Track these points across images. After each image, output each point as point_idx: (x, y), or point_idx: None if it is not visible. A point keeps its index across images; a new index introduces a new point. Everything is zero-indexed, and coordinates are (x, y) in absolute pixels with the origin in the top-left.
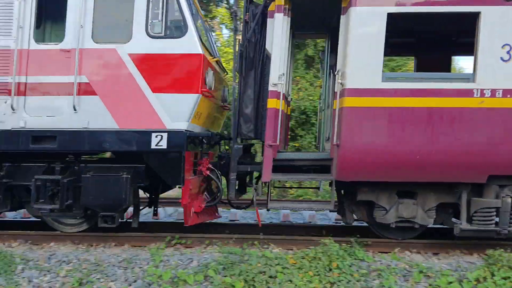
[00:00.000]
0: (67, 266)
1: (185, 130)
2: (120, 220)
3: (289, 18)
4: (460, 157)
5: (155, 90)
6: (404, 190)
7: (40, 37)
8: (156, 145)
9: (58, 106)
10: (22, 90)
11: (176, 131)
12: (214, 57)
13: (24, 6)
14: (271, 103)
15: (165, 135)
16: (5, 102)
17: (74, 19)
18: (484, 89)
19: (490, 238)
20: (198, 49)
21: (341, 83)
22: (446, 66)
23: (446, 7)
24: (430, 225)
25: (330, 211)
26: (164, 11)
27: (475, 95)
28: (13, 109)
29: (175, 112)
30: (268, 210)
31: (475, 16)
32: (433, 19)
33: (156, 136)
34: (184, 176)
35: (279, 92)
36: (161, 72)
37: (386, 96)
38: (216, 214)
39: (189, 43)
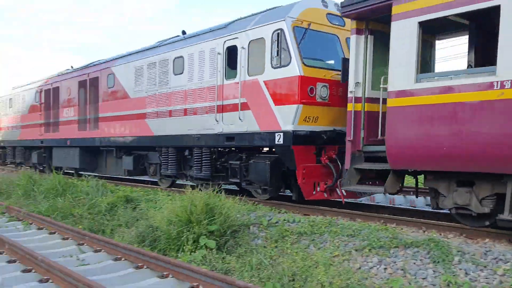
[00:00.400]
0: (504, 265)
1: (292, 130)
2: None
3: (364, 37)
4: (494, 149)
5: (275, 103)
6: (464, 179)
7: (226, 76)
8: (277, 142)
9: (234, 118)
10: (220, 109)
11: (286, 131)
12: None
13: (221, 59)
14: (349, 106)
15: (281, 134)
16: (214, 118)
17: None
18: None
19: None
20: (297, 73)
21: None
22: None
23: (466, 6)
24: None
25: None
26: (279, 50)
27: (495, 88)
28: (216, 121)
29: (285, 118)
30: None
31: (496, 9)
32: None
33: (277, 135)
34: (296, 162)
35: (355, 97)
36: (278, 90)
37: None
38: (337, 195)
39: (292, 69)
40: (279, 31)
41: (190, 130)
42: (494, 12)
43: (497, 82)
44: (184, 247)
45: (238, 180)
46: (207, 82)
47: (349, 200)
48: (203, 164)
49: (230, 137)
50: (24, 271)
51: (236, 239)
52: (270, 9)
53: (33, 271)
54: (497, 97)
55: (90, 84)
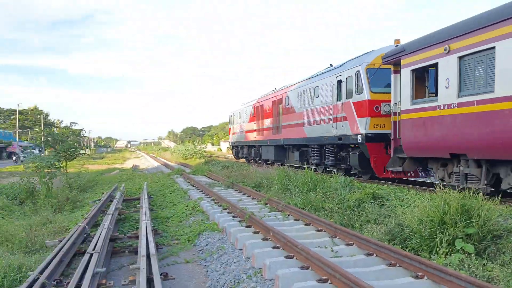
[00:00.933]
0: None
1: (365, 133)
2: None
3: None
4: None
5: (358, 116)
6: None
7: (337, 99)
8: (359, 140)
9: (340, 125)
10: (334, 120)
11: (362, 134)
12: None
13: (335, 88)
14: (392, 118)
15: (360, 135)
16: (331, 126)
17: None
18: None
19: None
20: (366, 97)
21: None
22: None
23: (428, 62)
24: None
25: None
26: (358, 83)
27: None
28: (332, 128)
29: (362, 125)
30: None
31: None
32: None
33: (359, 136)
34: (369, 153)
35: (393, 112)
36: (358, 108)
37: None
38: (404, 175)
39: (364, 96)
40: (357, 72)
41: (322, 133)
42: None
43: (438, 105)
44: (438, 249)
45: (345, 166)
46: (328, 103)
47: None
48: (330, 155)
49: (339, 137)
50: (287, 257)
51: (499, 245)
52: (360, 55)
53: (295, 258)
54: (438, 114)
55: (278, 103)
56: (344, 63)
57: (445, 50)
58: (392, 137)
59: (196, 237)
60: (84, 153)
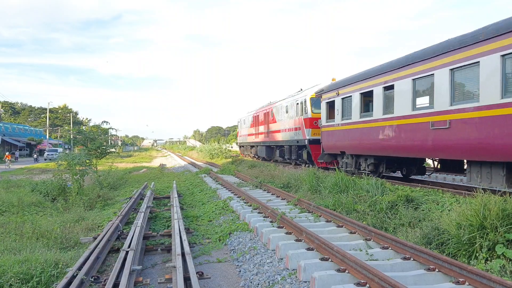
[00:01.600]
0: None
1: (308, 139)
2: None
3: (324, 103)
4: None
5: (305, 127)
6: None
7: (298, 115)
8: (306, 143)
9: (296, 133)
10: (296, 129)
11: (307, 139)
12: None
13: (299, 107)
14: (322, 129)
15: (306, 140)
16: (294, 133)
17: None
18: None
19: None
20: (309, 116)
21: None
22: None
23: (329, 101)
24: None
25: None
26: (305, 107)
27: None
28: (295, 134)
29: (307, 133)
30: None
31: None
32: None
33: (305, 140)
34: (311, 151)
35: (322, 125)
36: (305, 122)
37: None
38: (326, 164)
39: (308, 115)
40: (305, 99)
41: (290, 138)
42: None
43: (335, 124)
44: (477, 254)
45: (302, 160)
46: (293, 117)
47: None
48: (294, 152)
49: (297, 141)
50: (322, 259)
51: None
52: (309, 88)
53: (330, 260)
54: (335, 128)
55: (267, 115)
56: (302, 91)
57: (336, 93)
58: (321, 141)
59: (227, 237)
60: (114, 152)
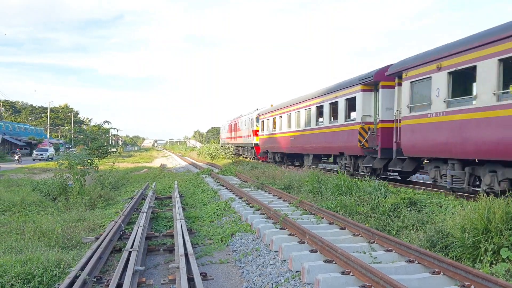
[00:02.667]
0: None
1: (254, 143)
2: None
3: None
4: None
5: (253, 135)
6: None
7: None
8: (253, 145)
9: (252, 139)
10: (249, 136)
11: (253, 143)
12: None
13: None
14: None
15: (254, 143)
16: (250, 139)
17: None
18: None
19: None
20: (254, 128)
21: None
22: None
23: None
24: None
25: None
26: (253, 122)
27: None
28: (250, 139)
29: (254, 139)
30: None
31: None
32: None
33: (253, 143)
34: (255, 150)
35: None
36: (253, 132)
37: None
38: (262, 158)
39: (254, 127)
40: (253, 117)
41: (247, 141)
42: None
43: (265, 133)
44: (482, 258)
45: (254, 156)
46: (249, 128)
47: None
48: (249, 151)
49: (250, 143)
50: (326, 261)
51: None
52: (256, 109)
53: (334, 262)
54: (264, 137)
55: (236, 124)
56: (254, 111)
57: (264, 116)
58: (259, 144)
59: (229, 238)
60: (115, 151)
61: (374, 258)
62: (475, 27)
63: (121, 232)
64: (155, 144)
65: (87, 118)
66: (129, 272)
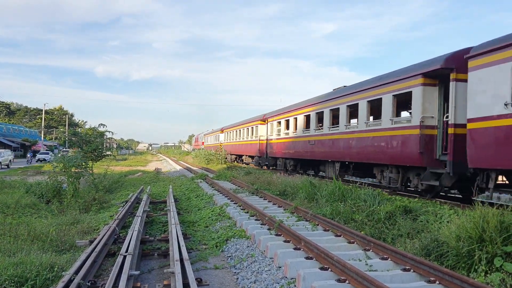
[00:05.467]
0: None
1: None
2: None
3: None
4: None
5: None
6: None
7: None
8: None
9: (217, 147)
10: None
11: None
12: None
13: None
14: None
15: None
16: (216, 147)
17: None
18: None
19: None
20: (220, 142)
21: None
22: None
23: None
24: None
25: None
26: (217, 138)
27: None
28: (217, 147)
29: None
30: None
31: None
32: None
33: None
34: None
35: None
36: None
37: None
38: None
39: (218, 142)
40: (218, 134)
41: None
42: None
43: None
44: (477, 267)
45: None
46: (215, 142)
47: None
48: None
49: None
50: (321, 268)
51: None
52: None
53: (330, 270)
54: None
55: (199, 138)
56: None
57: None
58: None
59: (224, 243)
60: (110, 154)
61: (370, 266)
62: None
63: (115, 236)
64: (150, 148)
65: (82, 121)
66: (124, 277)
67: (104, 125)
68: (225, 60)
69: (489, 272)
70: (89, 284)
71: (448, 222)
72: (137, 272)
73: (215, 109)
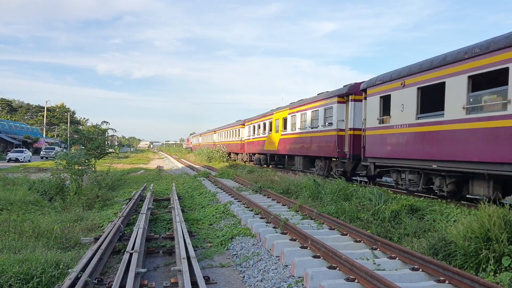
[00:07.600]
0: None
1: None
2: None
3: None
4: None
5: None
6: None
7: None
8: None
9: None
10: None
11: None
12: None
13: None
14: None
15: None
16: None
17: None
18: None
19: None
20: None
21: None
22: None
23: None
24: None
25: None
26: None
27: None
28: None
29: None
30: None
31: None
32: None
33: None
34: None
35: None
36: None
37: None
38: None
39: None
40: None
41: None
42: None
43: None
44: (485, 266)
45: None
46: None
47: None
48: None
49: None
50: (329, 267)
51: None
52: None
53: (338, 268)
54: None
55: (196, 137)
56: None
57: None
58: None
59: (229, 241)
60: (113, 152)
61: (378, 265)
62: None
63: (120, 233)
64: (151, 146)
65: (84, 118)
66: (131, 274)
67: (107, 122)
68: (226, 59)
69: (498, 271)
70: (95, 281)
71: (454, 221)
72: (144, 270)
73: (215, 108)
